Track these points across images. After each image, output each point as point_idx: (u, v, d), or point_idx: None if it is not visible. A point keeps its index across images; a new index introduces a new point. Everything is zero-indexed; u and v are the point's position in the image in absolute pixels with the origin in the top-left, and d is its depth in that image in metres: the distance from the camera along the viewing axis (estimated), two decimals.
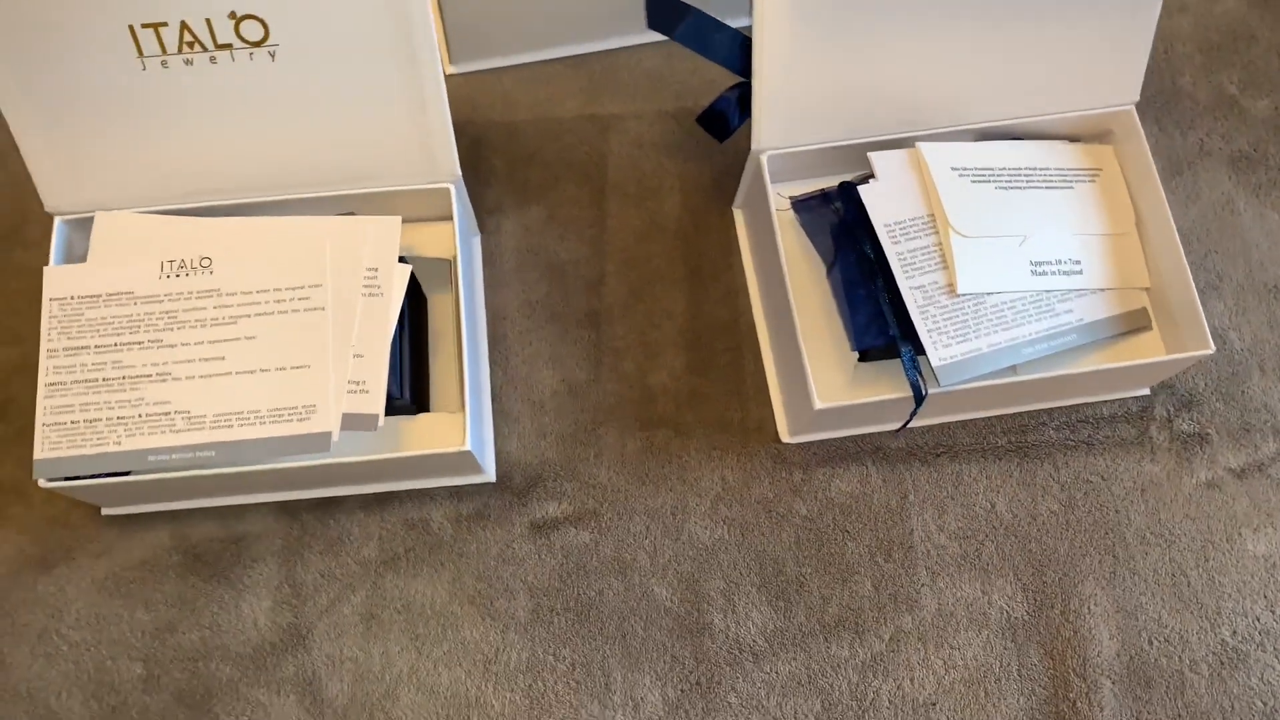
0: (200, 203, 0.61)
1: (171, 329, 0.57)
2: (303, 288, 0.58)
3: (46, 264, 0.59)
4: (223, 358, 0.57)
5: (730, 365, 0.68)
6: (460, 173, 0.62)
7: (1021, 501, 0.65)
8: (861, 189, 0.62)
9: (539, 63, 0.77)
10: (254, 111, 0.59)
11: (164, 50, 0.56)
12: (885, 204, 0.62)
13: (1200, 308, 0.60)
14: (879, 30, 0.59)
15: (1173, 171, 0.74)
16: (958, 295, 0.60)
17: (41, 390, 0.56)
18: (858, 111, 0.63)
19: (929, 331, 0.59)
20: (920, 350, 0.60)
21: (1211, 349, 0.59)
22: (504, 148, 0.74)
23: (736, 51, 0.62)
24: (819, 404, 0.58)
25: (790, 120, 0.62)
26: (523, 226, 0.72)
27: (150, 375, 0.56)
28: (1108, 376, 0.62)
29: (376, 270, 0.59)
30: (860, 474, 0.66)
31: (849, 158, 0.65)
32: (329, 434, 0.56)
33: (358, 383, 0.57)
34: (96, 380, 0.56)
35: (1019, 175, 0.64)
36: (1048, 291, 0.62)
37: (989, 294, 0.61)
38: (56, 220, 0.61)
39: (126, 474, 0.56)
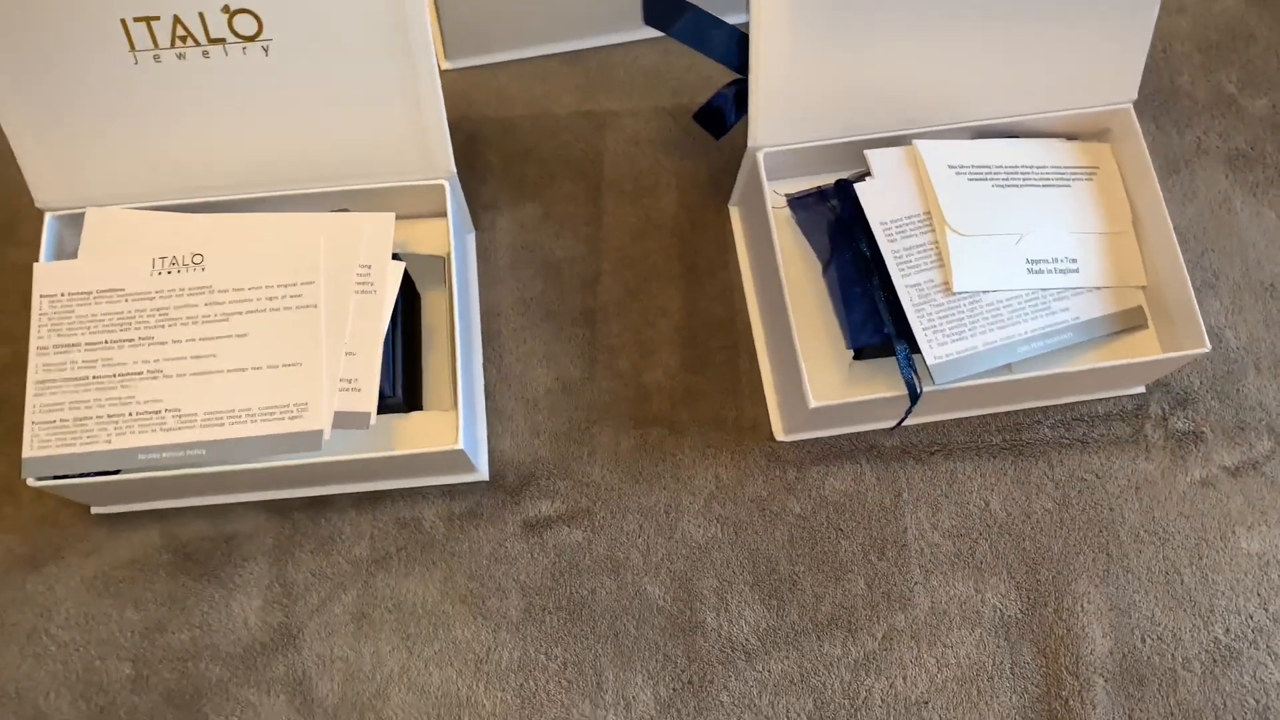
0: (192, 199, 0.61)
1: (163, 326, 0.57)
2: (295, 285, 0.58)
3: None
4: (214, 355, 0.57)
5: (725, 363, 0.68)
6: (455, 169, 0.62)
7: (1015, 500, 0.65)
8: (858, 186, 0.62)
9: (535, 59, 0.76)
10: (247, 107, 0.58)
11: (156, 44, 0.55)
12: (881, 202, 0.62)
13: (1196, 306, 0.60)
14: (877, 27, 0.59)
15: (1170, 170, 0.74)
16: (953, 293, 0.60)
17: (31, 388, 0.56)
18: (855, 109, 0.63)
19: (924, 330, 0.59)
20: (915, 348, 0.59)
21: (1207, 348, 0.59)
22: (499, 144, 0.74)
23: (734, 48, 0.62)
24: (814, 402, 0.58)
25: (787, 117, 0.62)
26: (518, 223, 0.71)
27: (141, 373, 0.56)
28: (1103, 375, 0.62)
29: (370, 267, 0.59)
30: (854, 472, 0.65)
31: (846, 155, 0.65)
32: (320, 432, 0.55)
33: (350, 381, 0.57)
34: (87, 378, 0.56)
35: (1016, 173, 0.64)
36: (1044, 290, 0.62)
37: (985, 292, 0.60)
38: (47, 216, 0.61)
39: (116, 473, 0.56)
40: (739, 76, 0.63)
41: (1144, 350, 0.65)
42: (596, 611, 0.62)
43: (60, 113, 0.57)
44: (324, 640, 0.61)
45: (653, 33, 0.73)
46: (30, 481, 0.55)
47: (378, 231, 0.60)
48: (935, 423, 0.67)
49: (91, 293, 0.57)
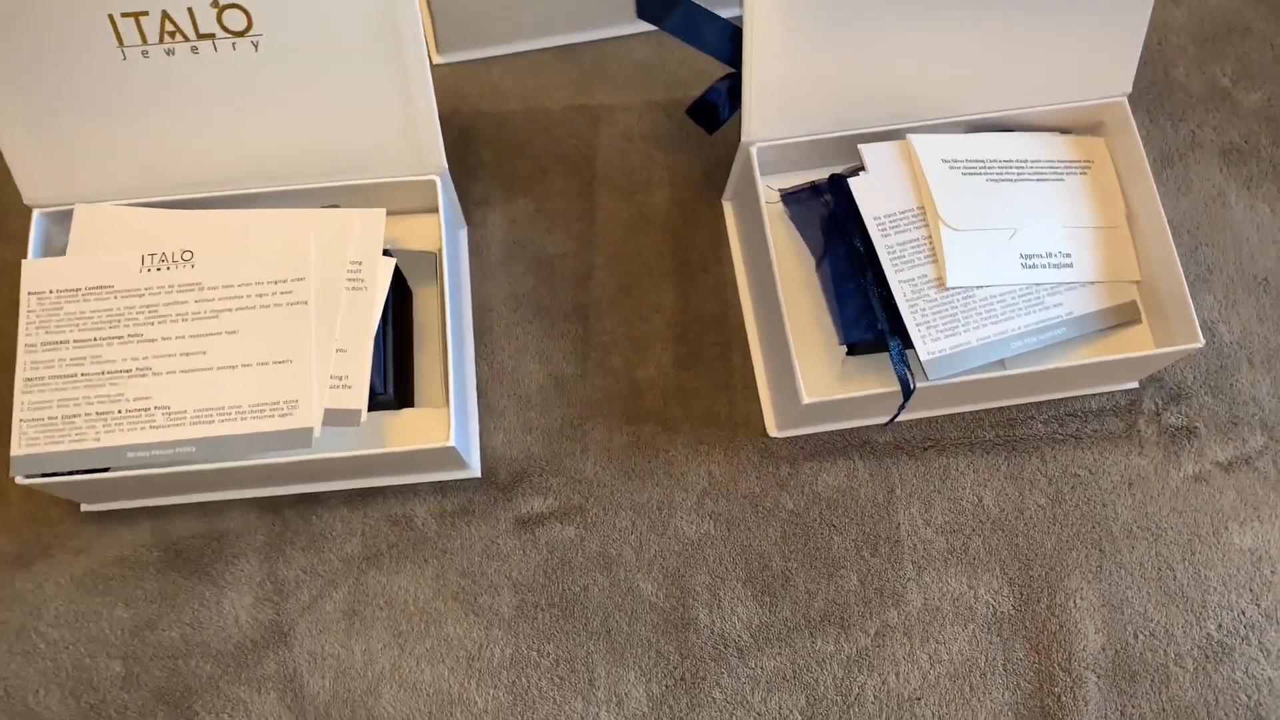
0: (182, 195, 0.61)
1: (152, 323, 0.57)
2: (285, 281, 0.58)
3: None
4: (204, 352, 0.56)
5: (718, 359, 0.68)
6: (446, 164, 0.62)
7: (1008, 495, 0.65)
8: (851, 181, 0.62)
9: (528, 53, 0.76)
10: (237, 102, 0.58)
11: (145, 40, 0.55)
12: (875, 196, 0.61)
13: (1190, 302, 0.60)
14: (870, 21, 0.59)
15: (1164, 163, 0.74)
16: (947, 289, 0.60)
17: (19, 386, 0.55)
18: (848, 103, 0.63)
19: (918, 325, 0.59)
20: (909, 344, 0.59)
21: (1201, 343, 0.59)
22: (492, 139, 0.73)
23: (727, 42, 0.61)
24: (807, 398, 0.57)
25: (781, 112, 0.62)
26: (510, 219, 0.71)
27: (130, 370, 0.56)
28: (1096, 370, 0.62)
29: (360, 263, 0.58)
30: (847, 468, 0.65)
31: (839, 150, 0.64)
32: (311, 429, 0.55)
33: (340, 377, 0.56)
34: (75, 375, 0.56)
35: (1010, 167, 0.64)
36: (1037, 285, 0.61)
37: (978, 287, 0.60)
38: (35, 213, 0.60)
39: (105, 470, 0.56)
40: (732, 71, 0.63)
41: (1137, 345, 0.65)
42: (589, 608, 0.62)
43: (48, 109, 0.57)
44: (315, 637, 0.61)
45: (646, 27, 0.72)
46: (19, 479, 0.55)
47: (368, 227, 0.59)
48: (928, 418, 0.67)
49: (80, 290, 0.57)
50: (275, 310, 0.57)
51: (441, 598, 0.62)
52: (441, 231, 0.62)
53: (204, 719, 0.60)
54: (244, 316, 0.57)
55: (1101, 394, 0.68)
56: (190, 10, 0.54)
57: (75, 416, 0.55)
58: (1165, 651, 0.62)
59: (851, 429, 0.66)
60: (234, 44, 0.56)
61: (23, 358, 0.56)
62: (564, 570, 0.63)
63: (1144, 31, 0.62)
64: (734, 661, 0.61)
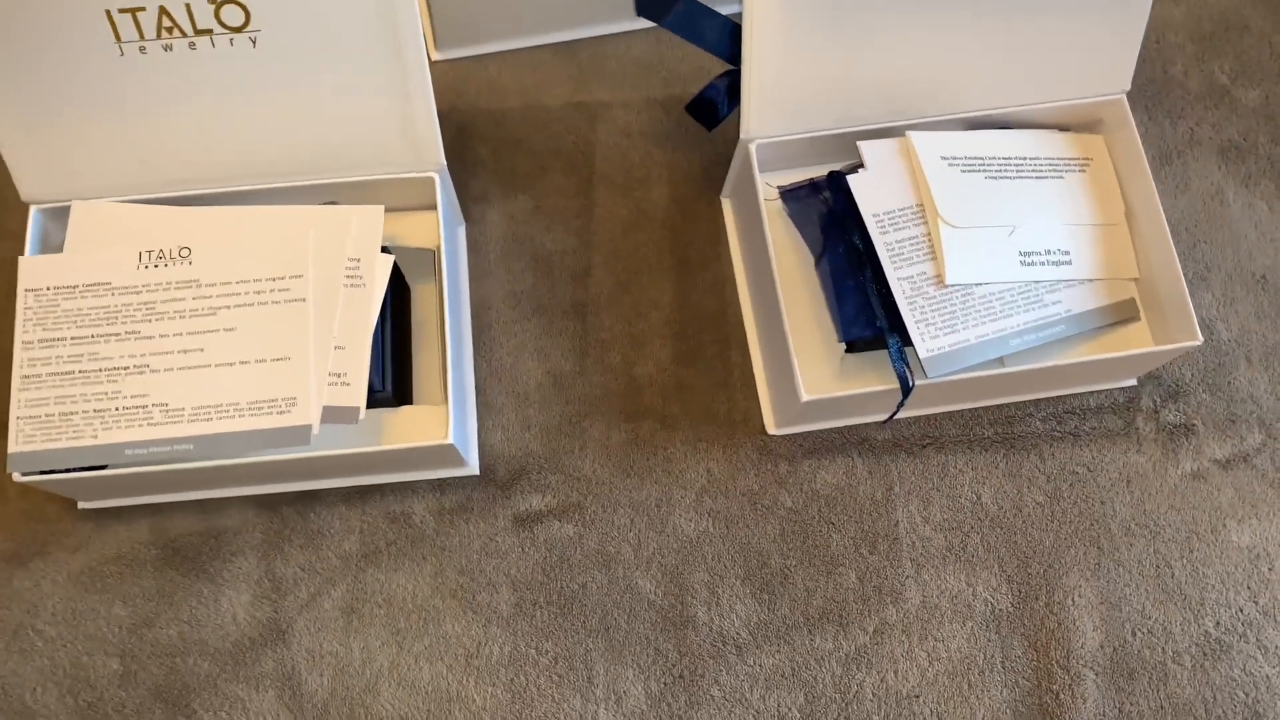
0: (179, 191, 0.61)
1: (149, 320, 0.57)
2: (283, 278, 0.58)
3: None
4: (202, 349, 0.56)
5: (717, 356, 0.68)
6: (445, 161, 0.62)
7: (1007, 493, 0.65)
8: (851, 178, 0.62)
9: (526, 49, 0.76)
10: (234, 98, 0.58)
11: (142, 35, 0.55)
12: (874, 194, 0.61)
13: (1189, 299, 0.60)
14: (870, 18, 0.59)
15: (1162, 161, 0.74)
16: (946, 286, 0.60)
17: (16, 383, 0.55)
18: (848, 100, 0.62)
19: (917, 323, 0.59)
20: (908, 341, 0.59)
21: (1199, 340, 0.59)
22: (490, 136, 0.73)
23: (726, 39, 0.61)
24: (805, 396, 0.57)
25: (780, 109, 0.62)
26: (508, 216, 0.71)
27: (128, 367, 0.56)
28: (1095, 368, 0.62)
29: (359, 260, 0.58)
30: (846, 466, 0.65)
31: (838, 147, 0.64)
32: (309, 427, 0.55)
33: (339, 375, 0.56)
34: (73, 372, 0.55)
35: (1009, 165, 0.64)
36: (1036, 282, 0.61)
37: (977, 285, 0.60)
38: (32, 209, 0.60)
39: (103, 468, 0.55)
40: (731, 68, 0.63)
41: (1136, 343, 0.65)
42: (587, 606, 0.62)
43: (45, 105, 0.57)
44: (313, 635, 0.61)
45: (645, 23, 0.73)
46: (16, 477, 0.54)
47: (367, 224, 0.59)
48: (927, 416, 0.67)
49: (77, 286, 0.57)
50: (273, 307, 0.57)
51: (440, 595, 0.62)
52: (440, 228, 0.62)
53: (202, 717, 0.60)
54: (242, 313, 0.57)
55: (1100, 391, 0.68)
56: (188, 6, 0.54)
57: (72, 414, 0.55)
58: (1163, 649, 0.62)
59: (850, 426, 0.66)
60: (232, 40, 0.55)
61: (19, 355, 0.56)
62: (562, 568, 0.63)
63: (1143, 29, 0.62)
64: (733, 659, 0.61)
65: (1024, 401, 0.67)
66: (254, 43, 0.56)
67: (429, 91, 0.58)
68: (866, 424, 0.66)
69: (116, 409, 0.55)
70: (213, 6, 0.54)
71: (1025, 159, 0.64)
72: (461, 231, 0.70)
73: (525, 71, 0.75)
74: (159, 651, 0.61)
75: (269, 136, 0.59)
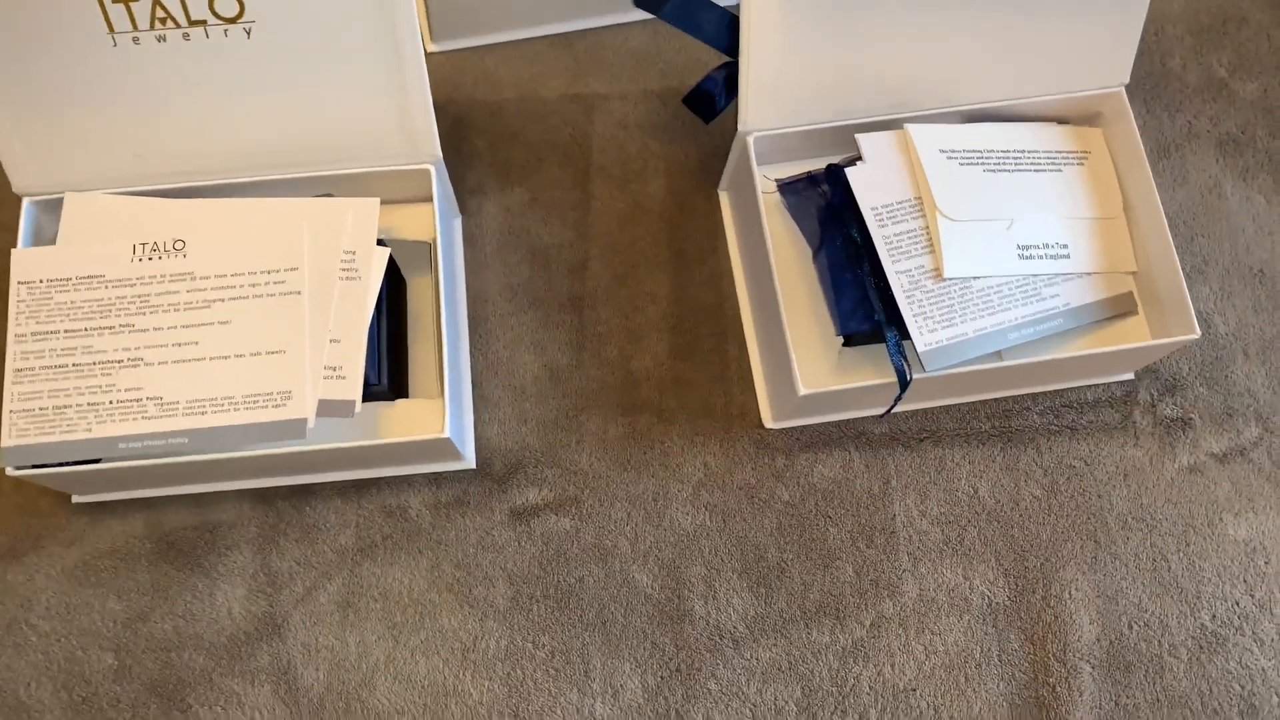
0: (174, 183, 0.60)
1: (144, 313, 0.56)
2: (279, 271, 0.57)
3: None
4: (196, 342, 0.56)
5: (714, 350, 0.68)
6: (441, 154, 0.61)
7: (1004, 487, 0.65)
8: (849, 171, 0.62)
9: (523, 41, 0.75)
10: (229, 90, 0.57)
11: (135, 26, 0.54)
12: (872, 186, 0.61)
13: (1187, 293, 0.60)
14: (868, 11, 0.58)
15: (1160, 154, 0.74)
16: (944, 279, 0.59)
17: (9, 376, 0.55)
18: (846, 93, 0.62)
19: (915, 316, 0.59)
20: (905, 335, 0.59)
21: (1197, 334, 0.59)
22: (486, 128, 0.73)
23: (724, 31, 0.61)
24: (803, 389, 0.57)
25: (777, 101, 0.62)
26: (505, 208, 0.71)
27: (122, 360, 0.55)
28: (1093, 362, 0.62)
29: (354, 253, 0.58)
30: (843, 459, 0.65)
31: (836, 139, 0.64)
32: (304, 420, 0.55)
33: (334, 368, 0.56)
34: (66, 366, 0.55)
35: (1007, 158, 0.63)
36: (1034, 275, 0.61)
37: (975, 278, 0.60)
38: (25, 201, 0.60)
39: (97, 461, 0.55)
40: (729, 60, 0.63)
41: (1134, 336, 0.65)
42: (584, 600, 0.62)
43: (37, 96, 0.56)
44: (309, 629, 0.61)
45: (642, 15, 0.72)
46: (9, 471, 0.54)
47: (362, 217, 0.59)
48: (924, 410, 0.67)
49: (71, 279, 0.57)
50: (268, 300, 0.57)
51: (436, 589, 0.62)
52: (436, 221, 0.61)
53: (197, 711, 0.59)
54: (237, 306, 0.56)
55: (1097, 385, 0.67)
56: None
57: (66, 407, 0.54)
58: (1160, 642, 0.62)
59: (847, 420, 0.66)
60: (226, 31, 0.55)
61: (12, 348, 0.56)
62: (559, 562, 0.63)
63: (1142, 22, 0.62)
64: (729, 653, 0.61)
65: (1021, 395, 0.67)
66: (248, 34, 0.55)
67: (425, 83, 0.58)
68: (864, 418, 0.66)
69: (110, 402, 0.55)
70: None
71: (1024, 152, 0.64)
72: (457, 224, 0.70)
73: (522, 63, 0.75)
74: (154, 646, 0.60)
75: (263, 128, 0.59)
